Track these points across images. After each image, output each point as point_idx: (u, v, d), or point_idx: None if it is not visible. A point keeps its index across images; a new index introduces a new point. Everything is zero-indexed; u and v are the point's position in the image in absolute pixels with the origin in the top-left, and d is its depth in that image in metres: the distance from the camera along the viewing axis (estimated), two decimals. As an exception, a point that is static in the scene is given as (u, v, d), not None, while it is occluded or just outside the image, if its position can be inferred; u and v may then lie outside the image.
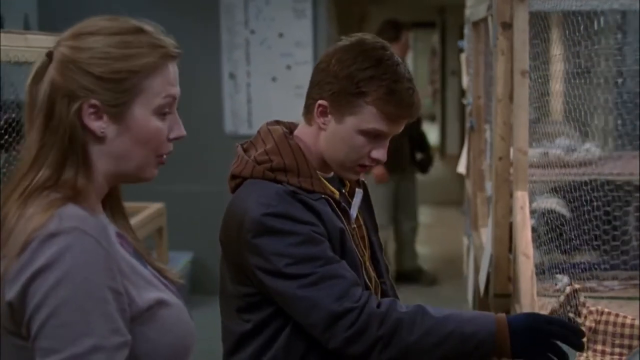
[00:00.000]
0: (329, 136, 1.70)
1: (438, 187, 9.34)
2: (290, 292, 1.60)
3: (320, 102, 1.69)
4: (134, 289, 1.25)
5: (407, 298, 5.92)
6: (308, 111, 1.73)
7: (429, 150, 6.12)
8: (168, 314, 1.30)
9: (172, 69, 1.33)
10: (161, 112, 1.31)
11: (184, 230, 5.29)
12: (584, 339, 1.62)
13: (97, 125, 1.27)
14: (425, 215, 8.13)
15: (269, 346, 1.68)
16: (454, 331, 1.58)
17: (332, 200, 1.70)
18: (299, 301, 1.60)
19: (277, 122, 1.80)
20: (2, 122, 2.39)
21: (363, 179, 1.90)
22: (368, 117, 1.66)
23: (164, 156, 1.35)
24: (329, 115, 1.69)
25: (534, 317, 1.62)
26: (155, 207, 3.90)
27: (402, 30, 5.75)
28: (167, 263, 4.16)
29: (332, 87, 1.67)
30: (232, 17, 5.51)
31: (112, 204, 1.40)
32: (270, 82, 5.50)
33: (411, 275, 5.98)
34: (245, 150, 1.74)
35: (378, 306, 1.61)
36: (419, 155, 5.96)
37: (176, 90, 1.34)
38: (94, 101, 1.26)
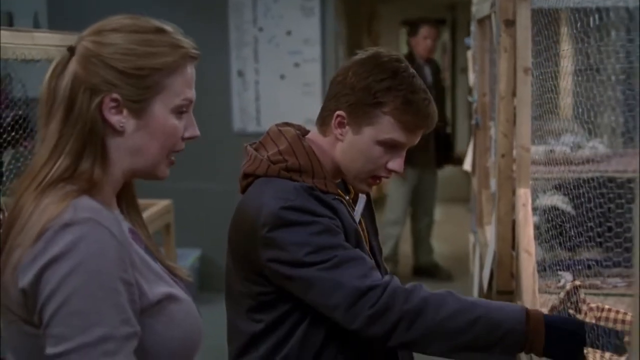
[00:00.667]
0: (346, 147, 1.72)
1: (447, 184, 9.30)
2: (311, 275, 1.59)
3: (338, 112, 1.70)
4: (144, 282, 1.26)
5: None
6: (324, 122, 1.75)
7: (451, 150, 6.19)
8: (177, 308, 1.31)
9: (190, 71, 1.36)
10: (179, 112, 1.34)
11: (192, 227, 5.32)
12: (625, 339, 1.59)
13: (116, 119, 1.29)
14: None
15: (283, 345, 1.68)
16: (482, 317, 1.54)
17: (344, 202, 1.72)
18: (321, 283, 1.59)
19: (287, 124, 1.81)
20: (9, 119, 2.41)
21: None
22: (386, 127, 1.68)
23: (174, 156, 1.38)
24: (347, 127, 1.71)
25: (573, 321, 1.60)
26: (162, 204, 3.92)
27: (418, 25, 5.84)
28: (175, 260, 4.18)
29: (349, 99, 1.69)
30: (240, 15, 5.52)
31: (126, 200, 1.42)
32: (279, 79, 5.51)
33: (427, 270, 6.04)
34: (255, 150, 1.75)
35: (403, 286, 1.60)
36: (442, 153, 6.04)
37: (193, 93, 1.37)
38: (115, 95, 1.28)
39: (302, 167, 1.68)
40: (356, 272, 1.58)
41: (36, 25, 5.19)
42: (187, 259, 5.40)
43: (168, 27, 1.35)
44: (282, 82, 5.51)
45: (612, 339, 1.56)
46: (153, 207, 3.82)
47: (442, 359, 1.64)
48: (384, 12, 9.35)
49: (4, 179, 2.26)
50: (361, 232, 1.76)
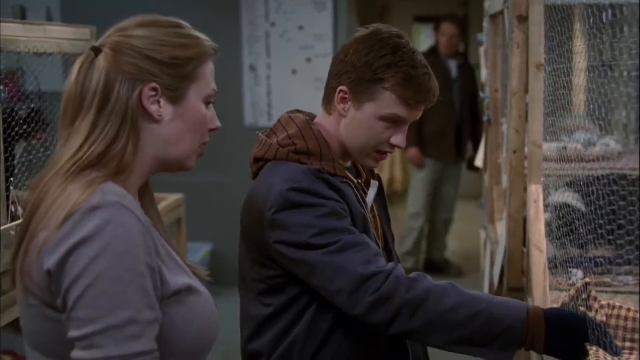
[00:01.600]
0: (349, 123, 1.73)
1: (460, 180, 9.29)
2: (315, 259, 1.60)
3: (340, 88, 1.72)
4: (167, 270, 1.27)
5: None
6: (328, 101, 1.77)
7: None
8: (196, 301, 1.32)
9: (212, 65, 1.40)
10: (207, 102, 1.38)
11: (203, 222, 5.33)
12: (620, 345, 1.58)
13: (155, 108, 1.32)
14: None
15: (291, 328, 1.69)
16: (483, 311, 1.54)
17: (353, 186, 1.73)
18: (325, 267, 1.59)
19: (299, 111, 1.84)
20: (22, 112, 2.42)
21: (378, 172, 1.91)
22: (387, 103, 1.69)
23: (204, 145, 1.41)
24: (349, 103, 1.72)
25: (574, 316, 1.58)
26: (174, 198, 3.92)
27: (441, 22, 5.93)
28: (186, 254, 4.19)
29: (351, 76, 1.71)
30: (253, 10, 5.52)
31: (145, 195, 1.43)
32: (291, 74, 5.51)
33: (438, 265, 6.05)
34: (267, 137, 1.77)
35: (407, 275, 1.60)
36: (469, 146, 5.97)
37: (215, 86, 1.41)
38: (154, 84, 1.31)
39: (311, 150, 1.70)
40: (360, 257, 1.58)
41: (49, 19, 5.21)
42: (198, 254, 5.41)
43: (185, 23, 1.39)
44: (294, 77, 5.51)
45: (609, 348, 1.55)
46: (164, 202, 3.83)
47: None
48: (397, 8, 9.33)
49: (16, 171, 2.27)
50: (369, 217, 1.76)
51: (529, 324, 1.54)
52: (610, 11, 1.78)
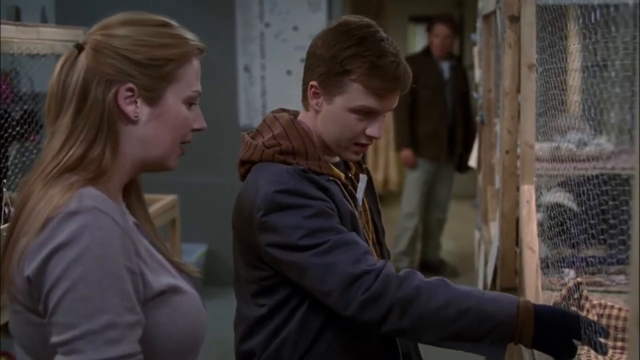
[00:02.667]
0: (323, 117, 1.73)
1: (454, 180, 9.30)
2: (305, 261, 1.60)
3: (311, 83, 1.72)
4: (149, 272, 1.27)
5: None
6: (304, 97, 1.77)
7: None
8: (181, 300, 1.32)
9: (197, 65, 1.39)
10: (189, 103, 1.37)
11: (198, 222, 5.32)
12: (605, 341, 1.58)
13: (131, 108, 1.32)
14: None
15: (282, 328, 1.70)
16: (473, 307, 1.54)
17: (340, 184, 1.73)
18: (315, 268, 1.60)
19: (283, 110, 1.84)
20: (14, 114, 2.42)
21: (366, 166, 1.92)
22: (355, 94, 1.68)
23: (183, 147, 1.40)
24: (321, 97, 1.72)
25: (562, 313, 1.60)
26: (168, 199, 3.92)
27: (434, 23, 5.92)
28: (180, 255, 4.19)
29: (320, 70, 1.70)
30: (247, 10, 5.53)
31: (132, 195, 1.43)
32: (285, 75, 5.52)
33: (433, 265, 6.06)
34: (252, 138, 1.77)
35: (397, 272, 1.60)
36: (459, 149, 5.96)
37: (199, 86, 1.39)
38: (130, 85, 1.30)
39: (296, 149, 1.70)
40: (350, 257, 1.59)
41: (43, 20, 5.20)
42: (193, 254, 5.41)
43: (173, 22, 1.38)
44: (289, 78, 5.51)
45: (599, 349, 1.54)
46: (159, 202, 3.83)
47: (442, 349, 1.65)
48: (392, 7, 9.33)
49: (9, 173, 2.27)
50: (357, 213, 1.76)
51: (518, 319, 1.55)
52: (600, 11, 1.78)
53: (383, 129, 1.75)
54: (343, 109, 1.69)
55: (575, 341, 1.56)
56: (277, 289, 1.70)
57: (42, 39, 2.37)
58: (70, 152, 1.28)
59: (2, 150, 2.25)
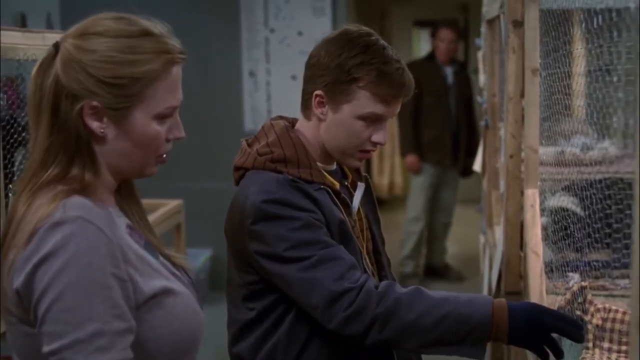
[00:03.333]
0: (328, 125, 1.74)
1: (459, 185, 9.29)
2: (290, 275, 1.63)
3: (316, 92, 1.73)
4: (139, 277, 1.27)
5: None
6: (306, 106, 1.78)
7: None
8: (174, 302, 1.32)
9: (176, 72, 1.33)
10: (161, 117, 1.33)
11: (203, 227, 5.32)
12: (587, 334, 1.61)
13: (96, 125, 1.29)
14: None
15: (271, 333, 1.72)
16: (451, 312, 1.58)
17: (331, 192, 1.74)
18: (300, 283, 1.63)
19: (281, 117, 1.85)
20: (21, 120, 2.43)
21: (366, 174, 1.93)
22: (363, 101, 1.70)
23: (164, 155, 1.37)
24: (326, 106, 1.73)
25: (535, 307, 1.63)
26: (173, 204, 3.93)
27: (439, 27, 5.95)
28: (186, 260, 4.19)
29: (325, 79, 1.72)
30: (252, 16, 5.54)
31: (126, 197, 1.43)
32: (290, 80, 5.53)
33: (438, 270, 6.05)
34: (249, 145, 1.79)
35: (376, 287, 1.63)
36: (463, 153, 5.96)
37: (178, 97, 1.35)
38: (94, 103, 1.28)
39: (287, 157, 1.71)
40: (334, 273, 1.62)
41: (49, 26, 5.22)
42: (198, 259, 5.42)
43: (155, 29, 1.33)
44: (294, 83, 5.51)
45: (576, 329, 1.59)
46: (164, 207, 3.84)
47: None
48: (396, 12, 9.33)
49: (15, 178, 2.28)
50: (350, 221, 1.78)
51: (494, 318, 1.58)
52: (604, 15, 1.79)
53: (388, 135, 1.76)
54: (351, 116, 1.71)
55: (554, 335, 1.59)
56: (266, 294, 1.72)
57: (47, 44, 2.37)
58: (50, 170, 1.28)
59: (8, 156, 2.26)
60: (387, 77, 1.69)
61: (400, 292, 1.62)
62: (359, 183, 1.86)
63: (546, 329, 1.58)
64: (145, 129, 1.31)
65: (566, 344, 1.71)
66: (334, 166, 1.82)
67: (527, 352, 1.79)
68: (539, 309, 1.62)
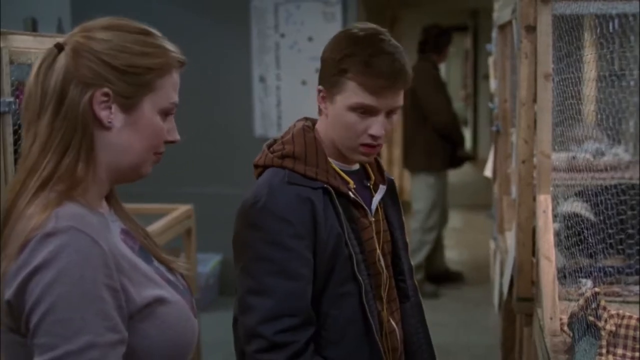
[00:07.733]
0: (330, 119, 1.77)
1: (469, 190, 9.29)
2: (242, 286, 1.69)
3: (318, 87, 1.78)
4: (132, 286, 1.26)
5: (437, 301, 5.83)
6: (318, 105, 1.81)
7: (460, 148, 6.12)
8: (167, 311, 1.31)
9: (176, 77, 1.37)
10: (165, 113, 1.36)
11: (213, 232, 5.32)
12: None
13: (105, 114, 1.30)
14: (455, 219, 8.10)
15: None
16: None
17: (334, 193, 1.73)
18: (243, 297, 1.69)
19: (306, 119, 1.87)
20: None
21: (391, 177, 1.92)
22: (351, 92, 1.71)
23: (160, 154, 1.39)
24: (327, 100, 1.76)
25: None
26: (183, 209, 3.93)
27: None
28: (196, 264, 4.19)
29: (323, 73, 1.76)
30: (262, 21, 5.54)
31: (114, 202, 1.43)
32: (300, 85, 5.53)
33: (440, 276, 6.01)
34: (269, 146, 1.81)
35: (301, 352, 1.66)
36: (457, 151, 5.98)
37: (177, 98, 1.38)
38: (106, 90, 1.29)
39: (296, 153, 1.74)
40: (269, 309, 1.65)
41: (60, 31, 5.24)
42: (208, 264, 5.42)
43: (155, 31, 1.37)
44: (304, 88, 5.52)
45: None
46: (174, 212, 3.84)
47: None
48: (406, 18, 9.34)
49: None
50: (370, 220, 1.79)
51: None
52: (617, 21, 1.78)
53: (392, 128, 1.77)
54: (343, 107, 1.72)
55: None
56: None
57: (59, 49, 2.38)
58: (46, 161, 1.27)
59: (20, 160, 2.26)
60: (374, 67, 1.68)
61: None
62: (380, 185, 1.86)
63: None
64: (152, 120, 1.34)
65: (580, 350, 1.70)
66: (357, 166, 1.83)
67: (538, 348, 1.78)
68: None
